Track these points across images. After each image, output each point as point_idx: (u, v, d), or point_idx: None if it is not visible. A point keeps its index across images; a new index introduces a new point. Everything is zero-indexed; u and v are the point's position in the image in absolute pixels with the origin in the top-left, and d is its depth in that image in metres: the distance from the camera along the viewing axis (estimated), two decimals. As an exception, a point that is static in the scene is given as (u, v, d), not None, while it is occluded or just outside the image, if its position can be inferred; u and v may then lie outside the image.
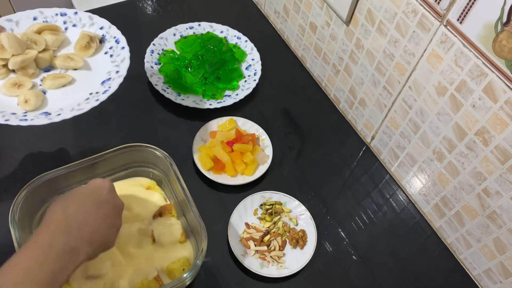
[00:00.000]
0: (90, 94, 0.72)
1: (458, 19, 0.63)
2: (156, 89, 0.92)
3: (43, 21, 0.77)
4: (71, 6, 1.52)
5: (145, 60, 0.96)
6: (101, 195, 0.60)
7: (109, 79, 0.73)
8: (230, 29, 1.05)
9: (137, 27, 1.08)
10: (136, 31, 1.07)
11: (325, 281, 0.76)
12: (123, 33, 0.79)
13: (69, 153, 0.85)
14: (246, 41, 1.04)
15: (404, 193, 0.88)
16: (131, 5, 1.12)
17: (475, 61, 0.62)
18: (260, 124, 0.91)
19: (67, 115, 0.67)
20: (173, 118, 0.92)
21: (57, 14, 0.78)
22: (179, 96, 0.93)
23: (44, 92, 0.72)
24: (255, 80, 0.97)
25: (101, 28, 0.79)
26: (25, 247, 0.51)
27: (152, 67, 0.96)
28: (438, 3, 0.65)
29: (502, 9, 0.56)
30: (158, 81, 0.94)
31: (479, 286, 0.78)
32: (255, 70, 0.99)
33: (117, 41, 0.77)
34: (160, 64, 0.98)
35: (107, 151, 0.72)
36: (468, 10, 0.60)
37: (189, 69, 0.96)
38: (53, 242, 0.51)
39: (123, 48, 0.77)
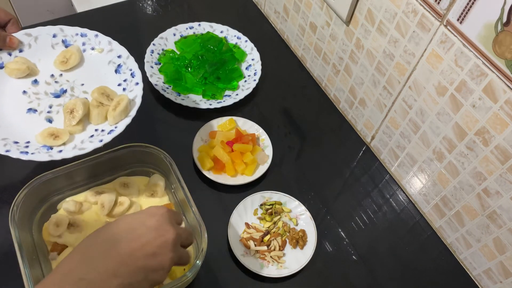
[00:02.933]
0: (96, 130, 0.68)
1: (458, 19, 0.63)
2: (156, 89, 0.92)
3: (62, 40, 0.73)
4: (71, 5, 1.52)
5: (145, 60, 0.96)
6: (143, 224, 0.54)
7: None
8: (230, 29, 1.05)
9: (137, 27, 1.08)
10: (136, 31, 1.07)
11: (325, 281, 0.76)
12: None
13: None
14: (246, 41, 1.04)
15: (404, 193, 0.87)
16: (131, 5, 1.12)
17: (475, 61, 0.62)
18: (260, 124, 0.91)
19: (68, 154, 0.64)
20: (173, 118, 0.92)
21: (77, 34, 0.74)
22: (179, 96, 0.93)
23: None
24: (255, 80, 0.97)
25: (119, 56, 0.74)
26: (49, 276, 0.49)
27: (152, 67, 0.96)
28: (438, 3, 0.65)
29: (502, 9, 0.56)
30: (158, 81, 0.94)
31: (479, 286, 0.78)
32: (255, 70, 0.99)
33: (132, 75, 0.72)
34: (160, 64, 0.98)
35: (107, 151, 0.72)
36: (468, 10, 0.60)
37: (189, 69, 0.96)
38: (71, 271, 0.49)
39: (137, 84, 0.71)
